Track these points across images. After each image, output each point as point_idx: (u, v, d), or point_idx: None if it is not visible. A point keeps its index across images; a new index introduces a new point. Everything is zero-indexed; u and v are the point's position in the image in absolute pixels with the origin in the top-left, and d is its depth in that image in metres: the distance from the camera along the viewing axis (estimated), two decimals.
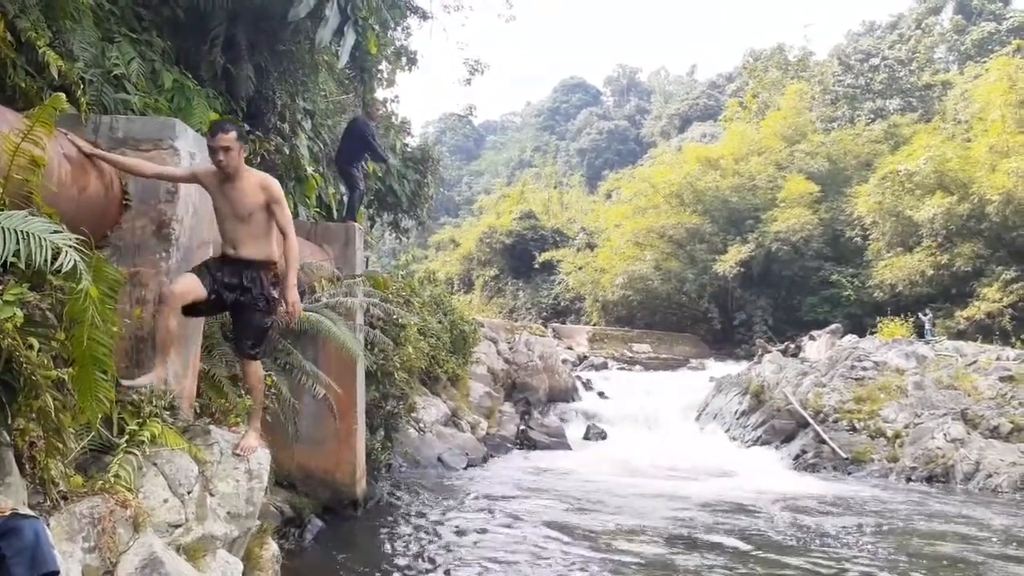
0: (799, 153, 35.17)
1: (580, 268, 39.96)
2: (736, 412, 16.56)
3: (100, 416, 3.22)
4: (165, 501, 3.55)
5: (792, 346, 24.51)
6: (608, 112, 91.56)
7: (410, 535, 7.67)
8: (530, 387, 18.42)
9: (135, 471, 3.40)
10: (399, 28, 13.20)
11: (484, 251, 47.73)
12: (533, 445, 14.81)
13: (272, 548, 4.96)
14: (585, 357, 26.06)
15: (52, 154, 3.41)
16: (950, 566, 7.41)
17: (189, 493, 3.69)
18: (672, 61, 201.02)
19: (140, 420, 3.63)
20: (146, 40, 6.26)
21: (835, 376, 16.28)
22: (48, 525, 2.77)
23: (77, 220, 3.40)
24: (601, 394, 20.14)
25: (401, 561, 6.78)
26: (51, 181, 3.41)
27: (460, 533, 7.86)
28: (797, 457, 13.88)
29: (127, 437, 3.51)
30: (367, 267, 11.31)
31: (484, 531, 8.03)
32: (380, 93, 14.16)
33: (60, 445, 3.01)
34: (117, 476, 3.26)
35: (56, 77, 4.51)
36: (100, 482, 3.21)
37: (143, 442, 3.52)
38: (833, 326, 24.84)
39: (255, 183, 4.13)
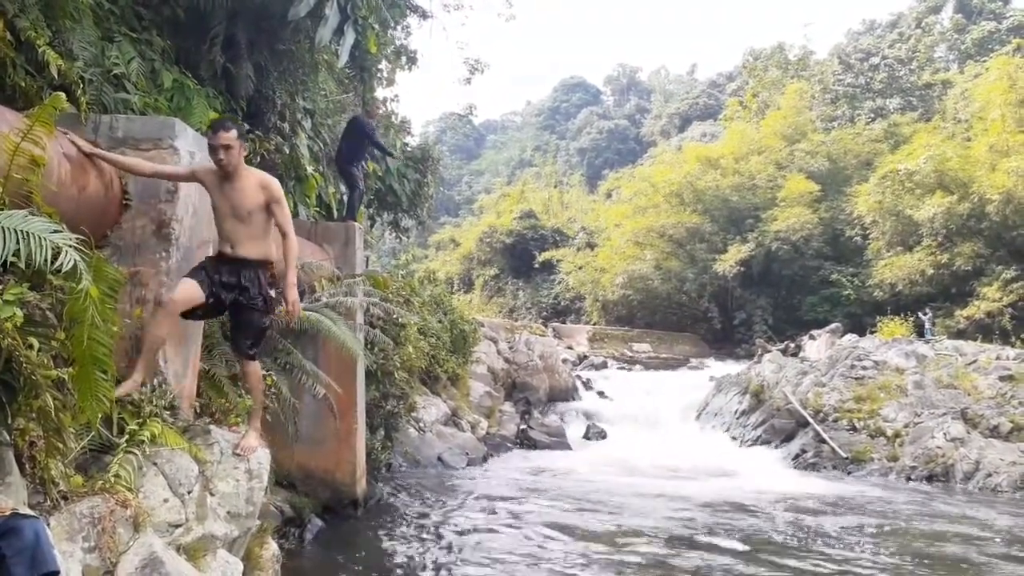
0: (799, 152, 35.18)
1: (580, 268, 39.98)
2: (736, 412, 16.57)
3: (100, 416, 3.22)
4: (165, 501, 3.55)
5: (792, 345, 24.52)
6: (608, 111, 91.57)
7: (410, 535, 7.67)
8: (530, 387, 18.43)
9: (135, 471, 3.40)
10: (399, 27, 13.19)
11: (484, 250, 47.74)
12: (533, 445, 14.81)
13: (272, 548, 4.96)
14: (585, 357, 26.07)
15: (52, 153, 3.40)
16: (953, 567, 7.40)
17: (189, 493, 3.69)
18: (672, 60, 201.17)
19: (140, 420, 3.63)
20: (146, 39, 6.25)
21: (835, 375, 16.28)
22: (48, 525, 2.76)
23: (77, 220, 3.40)
24: (601, 394, 20.14)
25: (401, 561, 6.77)
26: (51, 180, 3.40)
27: (460, 533, 7.86)
28: (797, 456, 13.88)
29: (127, 437, 3.51)
30: (367, 266, 11.30)
31: (484, 531, 8.03)
32: (380, 92, 14.16)
33: (60, 445, 3.00)
34: (117, 476, 3.26)
35: (56, 76, 4.50)
36: (100, 482, 3.21)
37: (143, 442, 3.52)
38: (833, 325, 24.85)
39: (255, 182, 4.13)
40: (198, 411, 4.63)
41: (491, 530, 8.07)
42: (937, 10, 51.22)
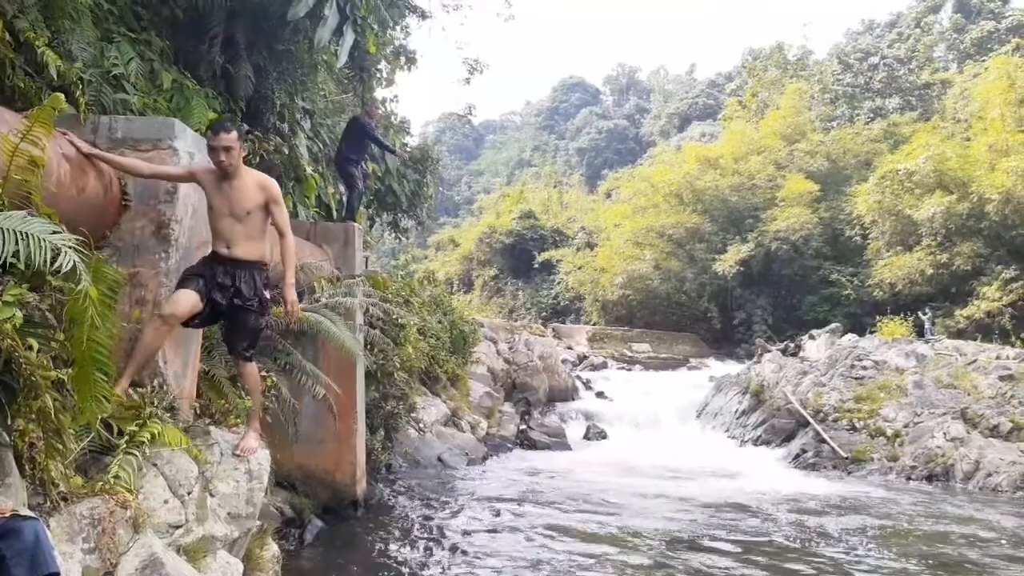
0: (798, 152, 35.20)
1: (580, 268, 40.01)
2: (736, 412, 16.57)
3: (100, 417, 3.22)
4: (165, 502, 3.54)
5: (792, 345, 24.50)
6: (607, 111, 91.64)
7: (410, 535, 7.66)
8: (530, 387, 18.43)
9: (135, 472, 3.40)
10: (398, 27, 13.18)
11: (484, 251, 47.77)
12: (533, 445, 14.80)
13: (272, 548, 4.96)
14: (585, 357, 26.07)
15: (51, 154, 3.40)
16: (957, 568, 7.39)
17: (189, 494, 3.69)
18: (672, 60, 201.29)
19: (140, 421, 3.63)
20: (145, 40, 6.25)
21: (835, 375, 16.28)
22: (48, 526, 2.76)
23: (76, 220, 3.39)
24: (601, 394, 20.14)
25: (401, 561, 6.77)
26: (50, 181, 3.40)
27: (460, 533, 7.86)
28: (797, 456, 13.88)
29: (127, 438, 3.50)
30: (366, 267, 11.31)
31: (484, 531, 8.03)
32: (379, 92, 14.17)
33: (60, 446, 3.00)
34: (117, 477, 3.26)
35: (55, 77, 4.50)
36: (100, 483, 3.20)
37: (143, 443, 3.52)
38: (833, 325, 24.84)
39: (254, 183, 4.14)
40: (198, 412, 4.63)
41: (491, 531, 8.07)
42: (936, 10, 51.25)
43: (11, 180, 3.08)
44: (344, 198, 10.18)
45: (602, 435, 16.15)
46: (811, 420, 14.66)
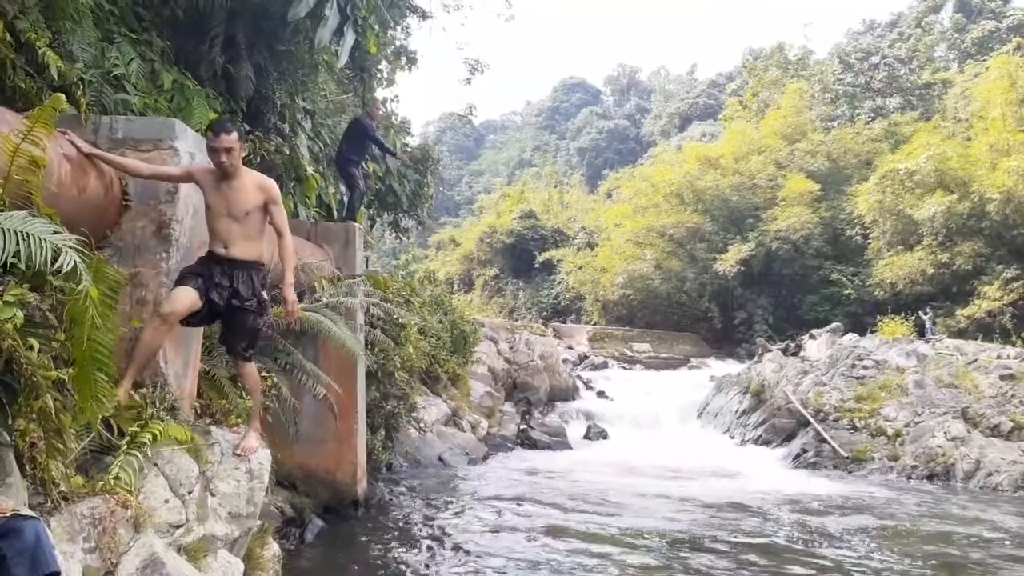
0: (799, 152, 35.18)
1: (580, 267, 40.00)
2: (736, 411, 16.57)
3: (100, 417, 3.22)
4: (166, 501, 3.55)
5: (792, 345, 24.51)
6: (608, 111, 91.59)
7: (411, 535, 7.67)
8: (531, 387, 18.43)
9: (136, 472, 3.40)
10: (399, 28, 13.19)
11: (484, 251, 47.77)
12: (534, 445, 14.80)
13: (273, 548, 4.97)
14: (585, 356, 26.06)
15: (52, 155, 3.41)
16: (960, 568, 7.39)
17: (190, 493, 3.70)
18: (672, 60, 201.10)
19: (142, 423, 3.63)
20: (146, 40, 6.26)
21: (835, 375, 16.28)
22: (49, 526, 2.77)
23: (77, 220, 3.40)
24: (601, 393, 20.14)
25: (402, 561, 6.77)
26: (51, 181, 3.41)
27: (461, 533, 7.86)
28: (798, 456, 13.88)
29: (128, 439, 3.51)
30: (367, 267, 11.31)
31: (485, 531, 8.04)
32: (380, 93, 14.18)
33: (60, 446, 3.00)
34: (117, 479, 3.26)
35: (56, 78, 4.51)
36: (101, 483, 3.21)
37: (144, 444, 3.52)
38: (833, 325, 24.84)
39: (253, 183, 4.14)
40: (198, 412, 4.64)
41: (492, 530, 8.07)
42: (937, 9, 51.23)
43: (12, 180, 3.09)
44: (345, 198, 10.19)
45: (603, 435, 16.15)
46: (812, 420, 14.66)
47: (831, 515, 9.51)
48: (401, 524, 8.07)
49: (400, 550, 7.09)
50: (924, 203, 27.15)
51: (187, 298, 3.94)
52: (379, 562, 6.71)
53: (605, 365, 24.82)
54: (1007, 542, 8.36)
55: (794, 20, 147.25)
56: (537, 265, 43.82)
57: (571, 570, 6.71)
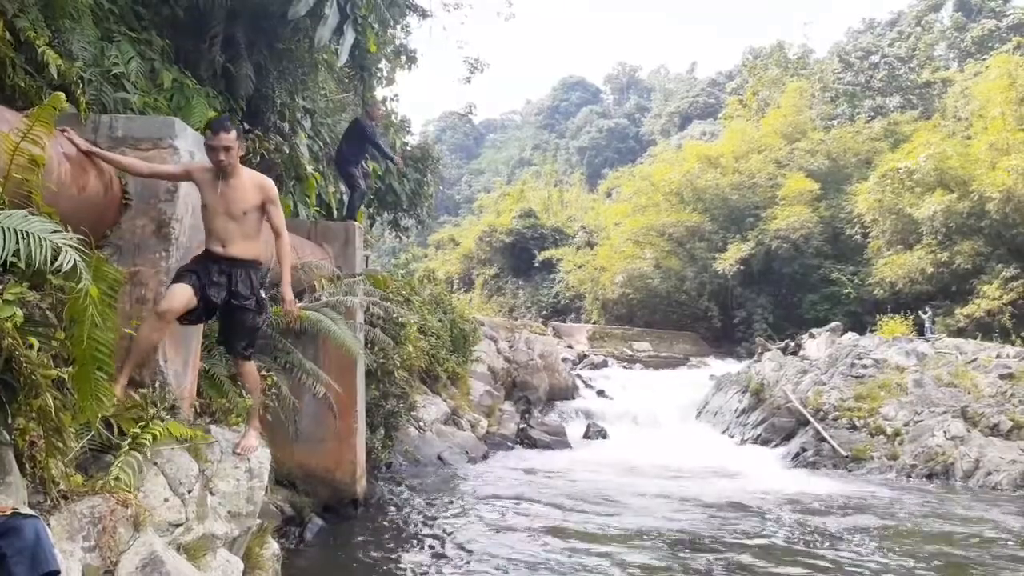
0: (799, 151, 35.17)
1: (580, 266, 40.00)
2: (736, 410, 16.57)
3: (100, 415, 3.22)
4: (166, 500, 3.55)
5: (792, 344, 24.50)
6: (608, 110, 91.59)
7: (410, 534, 7.67)
8: (530, 386, 18.42)
9: (135, 471, 3.40)
10: (398, 26, 13.19)
11: (484, 250, 47.77)
12: (533, 444, 14.81)
13: (272, 547, 4.97)
14: (585, 355, 26.06)
15: (52, 153, 3.41)
16: (960, 567, 7.38)
17: (190, 492, 3.70)
18: (672, 59, 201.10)
19: (143, 423, 3.63)
20: (145, 39, 6.25)
21: (835, 374, 16.29)
22: (48, 524, 2.77)
23: (77, 219, 3.39)
24: (601, 392, 20.14)
25: (401, 560, 6.78)
26: (51, 180, 3.41)
27: (460, 532, 7.86)
28: (797, 455, 13.88)
29: (129, 440, 3.51)
30: (367, 266, 11.32)
31: (485, 530, 8.04)
32: (380, 92, 14.20)
33: (60, 444, 3.01)
34: (117, 479, 3.26)
35: (55, 76, 4.51)
36: (101, 481, 3.21)
37: (144, 444, 3.52)
38: (833, 324, 24.84)
39: (251, 182, 4.14)
40: (198, 411, 4.64)
41: (492, 529, 8.08)
42: (937, 8, 51.21)
43: (12, 179, 3.09)
44: (345, 197, 10.19)
45: (602, 434, 16.15)
46: (811, 419, 14.66)
47: (831, 514, 9.51)
48: (400, 523, 8.07)
49: (399, 549, 7.09)
50: (924, 202, 27.16)
51: (183, 295, 3.94)
52: (378, 561, 6.71)
53: (605, 364, 24.81)
54: (1007, 542, 8.36)
55: (794, 19, 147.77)
56: (537, 264, 43.83)
57: (571, 570, 6.71)
